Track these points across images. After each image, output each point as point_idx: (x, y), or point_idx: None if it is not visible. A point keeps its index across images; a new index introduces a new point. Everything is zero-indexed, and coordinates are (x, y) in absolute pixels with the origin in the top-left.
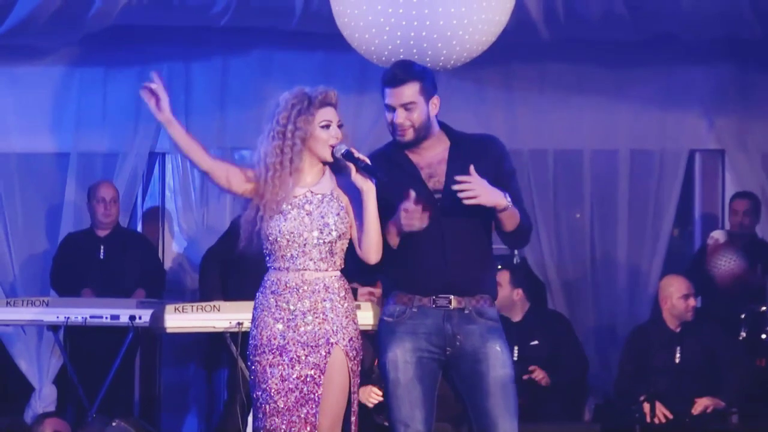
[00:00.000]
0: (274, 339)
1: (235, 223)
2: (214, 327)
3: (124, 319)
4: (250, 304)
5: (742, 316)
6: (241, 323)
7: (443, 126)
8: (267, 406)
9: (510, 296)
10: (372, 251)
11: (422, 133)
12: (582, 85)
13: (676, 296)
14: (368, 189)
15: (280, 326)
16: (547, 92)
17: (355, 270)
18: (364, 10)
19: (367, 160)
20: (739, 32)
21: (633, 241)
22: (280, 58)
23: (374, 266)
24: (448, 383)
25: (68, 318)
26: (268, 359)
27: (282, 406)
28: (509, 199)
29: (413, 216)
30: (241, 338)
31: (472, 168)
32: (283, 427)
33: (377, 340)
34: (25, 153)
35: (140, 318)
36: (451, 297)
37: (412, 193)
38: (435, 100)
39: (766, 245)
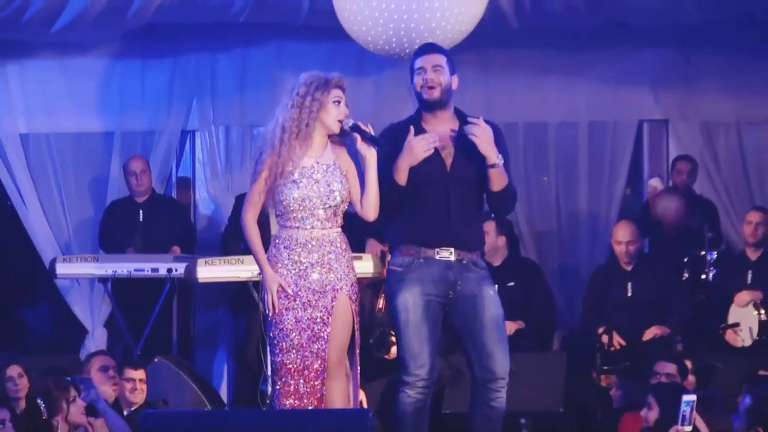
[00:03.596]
0: (288, 287)
1: (240, 199)
2: (238, 277)
3: (162, 271)
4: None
5: (685, 259)
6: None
7: (456, 109)
8: (283, 343)
9: (495, 243)
10: (371, 209)
11: (444, 97)
12: (547, 67)
13: (617, 242)
14: (371, 156)
15: (292, 276)
16: (517, 73)
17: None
18: (362, 6)
19: (371, 131)
20: (680, 19)
21: (592, 198)
22: (291, 48)
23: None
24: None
25: (115, 271)
26: (283, 303)
27: (296, 342)
28: (501, 162)
29: (418, 145)
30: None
31: (481, 119)
32: (298, 360)
33: (387, 286)
34: (76, 132)
35: (176, 270)
36: (452, 250)
37: (412, 129)
38: (455, 78)
39: (703, 199)
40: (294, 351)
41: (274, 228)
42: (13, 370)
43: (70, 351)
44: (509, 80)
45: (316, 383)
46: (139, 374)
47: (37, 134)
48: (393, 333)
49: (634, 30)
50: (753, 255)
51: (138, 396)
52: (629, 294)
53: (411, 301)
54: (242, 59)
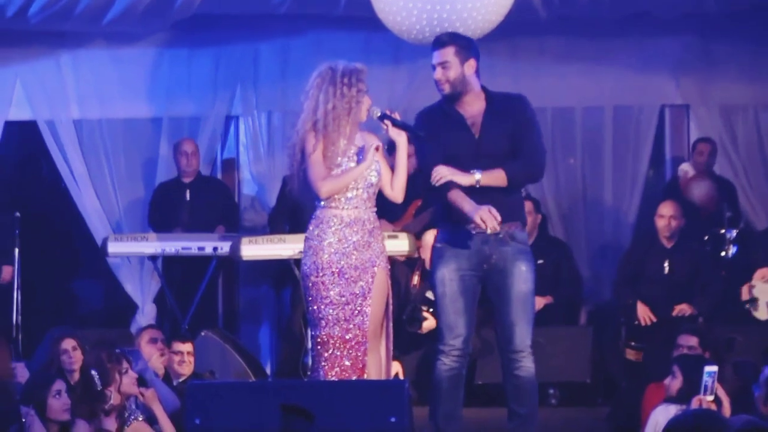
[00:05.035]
0: (333, 263)
1: (286, 180)
2: (280, 255)
3: (208, 249)
4: None
5: (706, 237)
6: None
7: (484, 88)
8: (329, 317)
9: (534, 222)
10: (400, 192)
11: (458, 88)
12: (573, 54)
13: (660, 216)
14: (402, 141)
15: (337, 253)
16: (544, 60)
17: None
18: None
19: (399, 117)
20: (700, 8)
21: (616, 179)
22: (329, 38)
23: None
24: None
25: (164, 249)
26: (329, 279)
27: (341, 317)
28: (478, 176)
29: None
30: None
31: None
32: (341, 333)
33: (431, 262)
34: (126, 118)
35: (221, 249)
36: None
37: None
38: (471, 62)
39: (723, 179)
40: (339, 324)
41: None
42: (68, 343)
43: (121, 325)
44: (537, 67)
45: (358, 354)
46: (187, 347)
47: (90, 120)
48: (424, 309)
49: (656, 19)
50: None
51: (186, 368)
52: (666, 271)
53: (447, 276)
54: (283, 48)
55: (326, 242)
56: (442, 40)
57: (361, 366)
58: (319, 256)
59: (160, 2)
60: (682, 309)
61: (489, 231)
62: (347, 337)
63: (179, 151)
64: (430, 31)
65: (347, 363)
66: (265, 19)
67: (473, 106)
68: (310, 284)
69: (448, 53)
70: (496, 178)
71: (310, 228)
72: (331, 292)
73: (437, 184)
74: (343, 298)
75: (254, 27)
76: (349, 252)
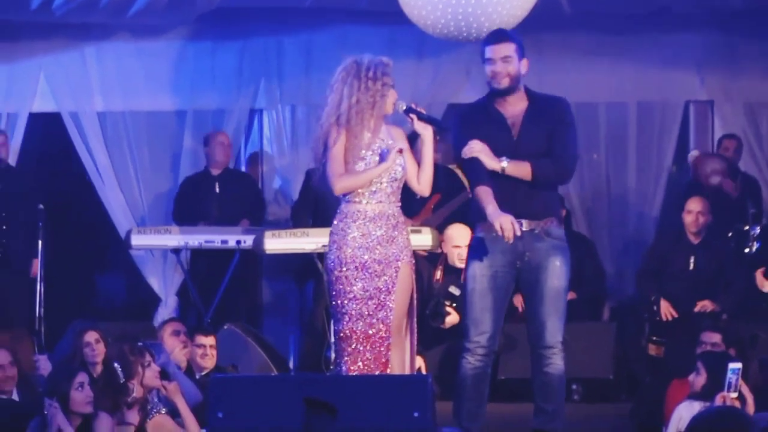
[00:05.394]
0: (357, 258)
1: (309, 173)
2: (303, 249)
3: (231, 243)
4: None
5: (729, 234)
6: (326, 245)
7: (526, 88)
8: (352, 311)
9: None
10: (427, 185)
11: (515, 84)
12: (597, 50)
13: (688, 212)
14: (428, 135)
15: (361, 248)
16: (569, 56)
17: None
18: None
19: (424, 111)
20: (724, 5)
21: (640, 175)
22: (353, 32)
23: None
24: None
25: (187, 243)
26: (353, 273)
27: (364, 311)
28: (505, 164)
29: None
30: None
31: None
32: (364, 328)
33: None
34: (151, 111)
35: (245, 242)
36: (523, 221)
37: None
38: (525, 62)
39: (747, 175)
40: (362, 319)
41: None
42: (91, 336)
43: (144, 318)
44: (561, 62)
45: (381, 349)
46: (209, 340)
47: (114, 112)
48: (447, 303)
49: (680, 15)
50: None
51: (208, 361)
52: (691, 267)
53: (479, 272)
54: (307, 42)
55: (350, 237)
56: (506, 35)
57: (384, 361)
58: (343, 250)
59: None
60: (705, 305)
61: (505, 239)
62: (370, 332)
63: (215, 142)
64: (455, 25)
65: (370, 357)
66: (290, 13)
67: (515, 107)
68: (334, 278)
69: (511, 48)
70: (522, 170)
71: (335, 222)
72: (355, 287)
73: (465, 156)
74: (367, 293)
75: (278, 20)
76: (373, 246)
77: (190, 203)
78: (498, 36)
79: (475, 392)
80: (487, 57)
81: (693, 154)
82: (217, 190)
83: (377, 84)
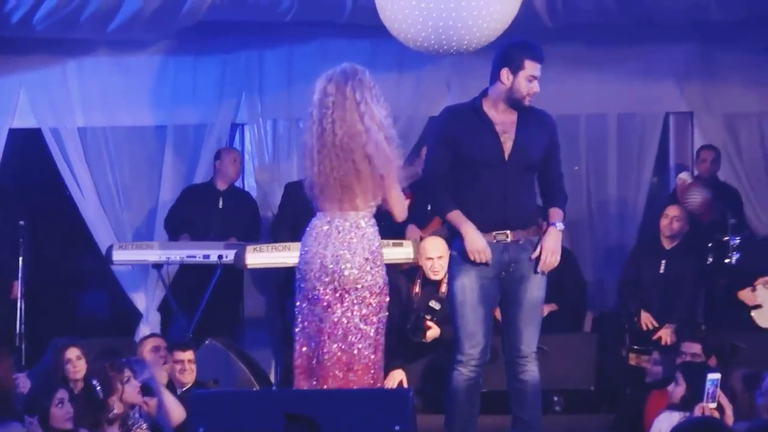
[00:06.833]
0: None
1: (288, 188)
2: (285, 263)
3: (213, 258)
4: None
5: (710, 244)
6: None
7: None
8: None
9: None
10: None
11: None
12: (577, 62)
13: (665, 216)
14: None
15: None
16: (549, 68)
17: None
18: (402, 5)
19: None
20: (704, 16)
21: (620, 186)
22: (334, 45)
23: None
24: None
25: (169, 258)
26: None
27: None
28: (560, 225)
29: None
30: None
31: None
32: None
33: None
34: (132, 126)
35: (226, 257)
36: (508, 232)
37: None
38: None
39: (727, 186)
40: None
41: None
42: (72, 353)
43: (126, 334)
44: (542, 74)
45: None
46: (188, 355)
47: (95, 128)
48: (428, 318)
49: (660, 27)
50: None
51: (188, 376)
52: (661, 270)
53: (468, 285)
54: (288, 56)
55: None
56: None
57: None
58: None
59: (166, 10)
60: (662, 335)
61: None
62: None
63: (228, 158)
64: (435, 38)
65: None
66: (271, 27)
67: (508, 114)
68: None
69: None
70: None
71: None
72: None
73: (481, 261)
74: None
75: (260, 34)
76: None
77: (190, 214)
78: (543, 54)
79: (468, 404)
80: (531, 74)
81: (682, 177)
82: (221, 205)
83: (381, 99)
